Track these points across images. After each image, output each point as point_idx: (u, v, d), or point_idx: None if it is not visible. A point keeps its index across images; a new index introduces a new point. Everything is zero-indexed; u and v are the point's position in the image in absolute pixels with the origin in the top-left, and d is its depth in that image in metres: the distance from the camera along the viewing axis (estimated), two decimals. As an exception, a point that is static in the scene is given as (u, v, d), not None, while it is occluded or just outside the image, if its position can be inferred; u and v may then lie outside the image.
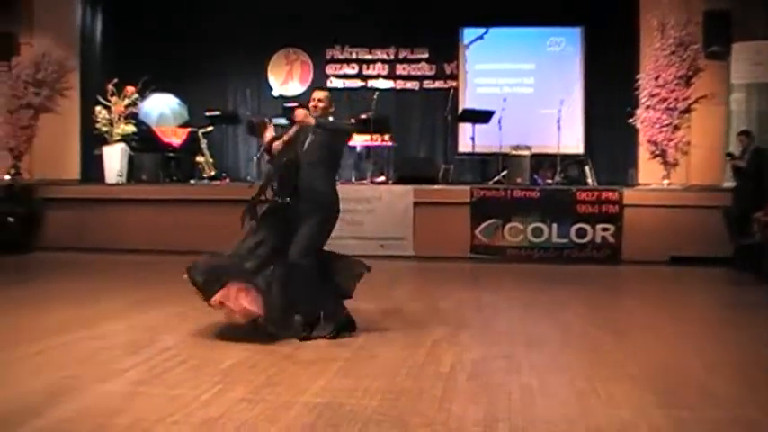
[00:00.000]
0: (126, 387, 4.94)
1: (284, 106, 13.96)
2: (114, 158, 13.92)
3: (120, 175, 13.87)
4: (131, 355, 5.77)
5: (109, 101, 14.13)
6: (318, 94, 6.59)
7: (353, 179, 14.16)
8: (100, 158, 14.14)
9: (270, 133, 6.68)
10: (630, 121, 12.95)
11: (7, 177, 13.80)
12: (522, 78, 16.58)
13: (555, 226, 11.92)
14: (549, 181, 13.68)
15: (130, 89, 14.24)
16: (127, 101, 14.21)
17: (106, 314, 7.58)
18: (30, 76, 14.14)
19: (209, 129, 14.69)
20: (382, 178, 13.86)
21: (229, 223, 11.92)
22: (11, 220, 12.86)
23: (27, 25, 14.64)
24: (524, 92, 16.45)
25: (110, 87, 14.14)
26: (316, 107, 6.50)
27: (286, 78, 16.88)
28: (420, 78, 16.82)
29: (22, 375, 5.23)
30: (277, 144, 6.56)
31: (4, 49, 14.46)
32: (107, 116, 14.09)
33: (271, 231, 6.52)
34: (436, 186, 12.90)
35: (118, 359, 5.67)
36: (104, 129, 14.08)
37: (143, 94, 14.51)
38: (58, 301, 8.30)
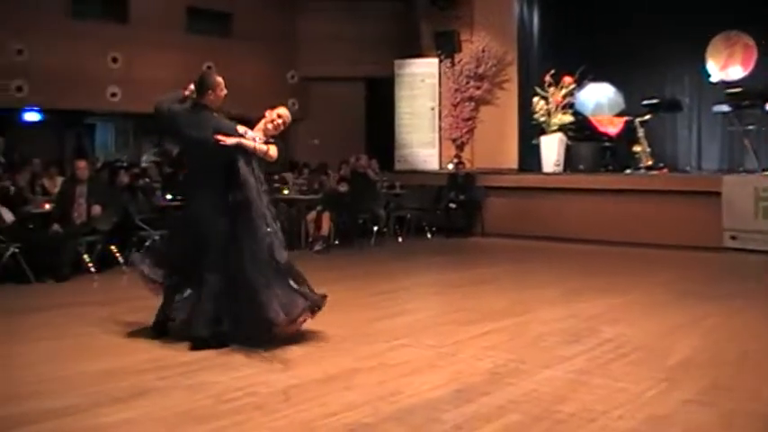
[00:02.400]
0: (569, 375, 4.95)
1: (726, 92, 13.05)
2: (552, 148, 14.18)
3: (558, 165, 14.08)
4: (573, 344, 5.78)
5: (546, 91, 14.41)
6: None
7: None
8: (537, 148, 14.49)
9: None
10: None
11: (450, 167, 14.80)
12: None
13: None
14: None
15: (568, 79, 14.35)
16: (564, 91, 14.35)
17: (547, 300, 7.74)
18: (471, 70, 15.06)
19: (647, 117, 14.25)
20: None
21: (669, 215, 11.74)
22: (452, 206, 13.78)
23: (468, 23, 15.48)
24: None
25: (547, 78, 14.40)
26: None
27: (726, 63, 15.72)
28: None
29: (469, 356, 5.50)
30: None
31: (448, 45, 15.50)
32: (545, 106, 14.38)
33: None
34: None
35: (560, 346, 5.73)
36: (542, 119, 14.39)
37: (580, 84, 14.54)
38: (501, 285, 8.73)
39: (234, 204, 5.88)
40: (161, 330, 6.06)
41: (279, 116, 6.23)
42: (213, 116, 5.98)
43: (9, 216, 9.21)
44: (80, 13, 13.32)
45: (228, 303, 5.82)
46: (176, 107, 6.02)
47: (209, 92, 5.96)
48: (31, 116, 13.85)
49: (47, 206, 9.77)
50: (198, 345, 5.65)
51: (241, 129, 6.01)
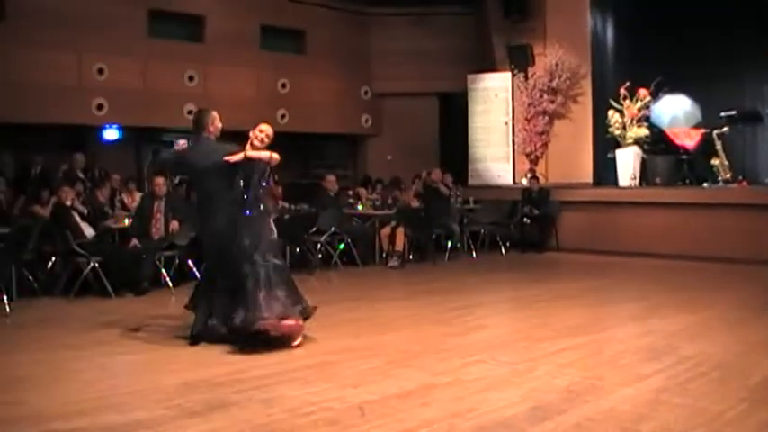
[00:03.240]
0: (647, 393, 4.88)
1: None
2: (627, 161, 13.98)
3: (634, 179, 13.88)
4: (651, 361, 5.70)
5: (621, 104, 14.23)
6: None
7: None
8: (613, 162, 14.31)
9: None
10: None
11: (524, 181, 14.73)
12: None
13: None
14: None
15: (643, 92, 14.15)
16: (639, 104, 14.15)
17: (624, 317, 7.67)
18: (544, 84, 14.95)
19: (725, 129, 13.94)
20: None
21: (746, 229, 11.45)
22: (527, 221, 13.72)
23: (541, 36, 15.38)
24: None
25: (622, 91, 14.23)
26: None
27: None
28: None
29: (544, 373, 5.47)
30: None
31: (522, 59, 15.42)
32: (620, 120, 14.20)
33: None
34: None
35: (638, 364, 5.65)
36: (617, 132, 14.20)
37: (655, 97, 14.32)
38: (577, 301, 8.65)
39: (244, 216, 6.55)
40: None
41: (260, 131, 6.73)
42: (217, 144, 6.80)
43: (89, 231, 9.52)
44: (157, 32, 13.70)
45: (226, 301, 6.48)
46: (182, 148, 6.75)
47: (209, 125, 6.82)
48: (111, 134, 14.26)
49: (126, 221, 10.07)
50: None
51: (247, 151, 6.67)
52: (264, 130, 6.74)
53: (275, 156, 6.61)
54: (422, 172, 13.61)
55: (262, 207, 6.66)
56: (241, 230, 6.49)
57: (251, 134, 6.72)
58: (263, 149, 6.62)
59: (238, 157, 6.51)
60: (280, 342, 6.21)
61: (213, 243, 6.73)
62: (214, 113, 6.91)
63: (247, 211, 6.55)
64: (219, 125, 6.89)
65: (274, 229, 6.84)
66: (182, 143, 6.97)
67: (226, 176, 6.59)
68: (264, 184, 6.75)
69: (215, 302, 6.56)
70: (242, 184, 6.56)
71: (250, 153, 6.53)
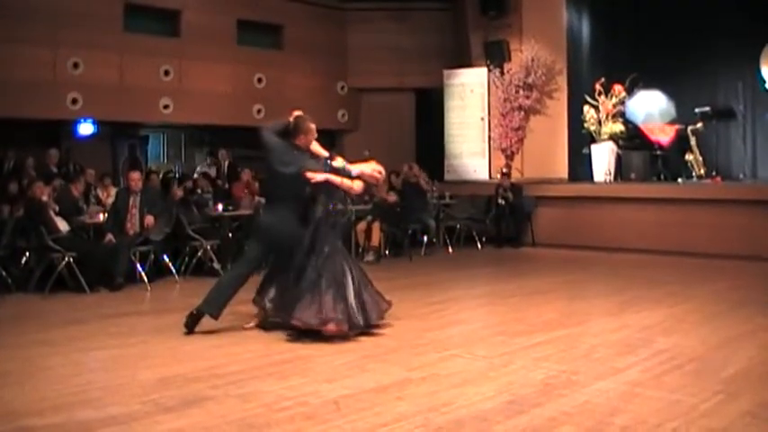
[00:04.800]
0: (623, 387, 4.91)
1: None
2: (602, 157, 14.09)
3: (609, 174, 13.97)
4: (626, 355, 5.74)
5: (597, 100, 14.32)
6: None
7: None
8: (588, 157, 14.40)
9: None
10: None
11: (499, 177, 14.74)
12: None
13: None
14: None
15: (618, 88, 14.26)
16: (614, 99, 14.26)
17: (599, 311, 7.71)
18: (520, 80, 15.00)
19: (699, 125, 14.07)
20: None
21: (720, 224, 11.57)
22: (501, 202, 13.73)
23: (517, 32, 15.42)
24: None
25: (597, 87, 14.32)
26: None
27: (782, 70, 15.42)
28: None
29: (520, 367, 5.49)
30: None
31: (498, 55, 15.46)
32: (595, 115, 14.29)
33: None
34: None
35: (613, 357, 5.68)
36: (592, 128, 14.31)
37: (630, 93, 14.42)
38: (553, 296, 8.71)
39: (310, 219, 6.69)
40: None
41: (380, 173, 7.01)
42: (302, 155, 6.77)
43: (64, 226, 9.43)
44: (133, 26, 13.59)
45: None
46: (273, 141, 6.76)
47: (301, 136, 6.79)
48: (86, 128, 14.12)
49: (101, 216, 9.99)
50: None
51: (340, 162, 6.85)
52: (380, 178, 7.16)
53: (357, 187, 6.82)
54: (403, 167, 13.63)
55: (327, 213, 6.70)
56: (300, 231, 6.61)
57: (376, 164, 6.96)
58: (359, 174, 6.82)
59: (320, 177, 6.61)
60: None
61: (271, 240, 6.83)
62: (312, 126, 6.89)
63: (316, 213, 6.66)
64: (313, 138, 6.90)
65: (338, 234, 6.90)
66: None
67: (297, 188, 6.70)
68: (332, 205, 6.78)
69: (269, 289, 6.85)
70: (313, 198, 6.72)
71: (332, 178, 6.65)
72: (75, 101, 12.69)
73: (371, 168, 6.92)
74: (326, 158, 6.84)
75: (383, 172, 7.10)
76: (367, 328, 6.54)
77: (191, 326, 6.60)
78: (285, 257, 6.66)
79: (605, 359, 5.64)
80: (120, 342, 6.44)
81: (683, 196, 12.43)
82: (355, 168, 6.83)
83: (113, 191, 11.15)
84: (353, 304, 6.43)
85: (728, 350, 5.90)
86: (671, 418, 4.28)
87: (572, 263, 11.67)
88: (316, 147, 6.95)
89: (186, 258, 10.32)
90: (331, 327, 6.26)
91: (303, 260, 6.49)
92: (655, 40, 14.86)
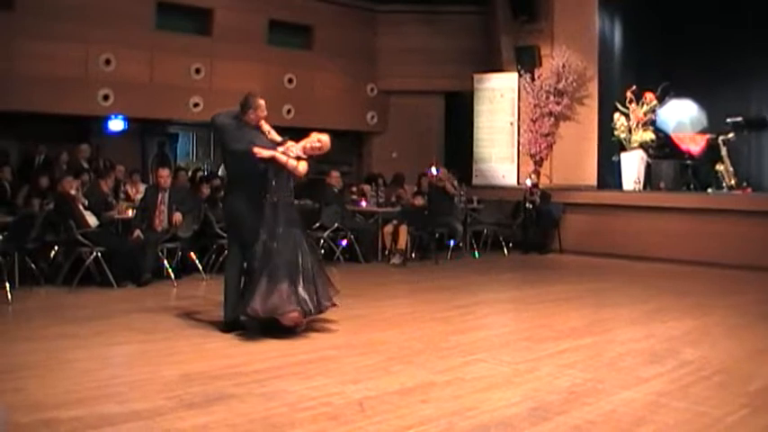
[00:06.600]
0: (648, 397, 4.87)
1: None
2: (632, 165, 13.97)
3: (638, 182, 13.85)
4: (653, 365, 5.68)
5: (627, 108, 14.20)
6: None
7: None
8: (617, 165, 14.29)
9: None
10: None
11: (528, 182, 14.66)
12: None
13: None
14: None
15: (649, 96, 14.13)
16: (645, 108, 14.13)
17: (625, 320, 7.65)
18: (551, 85, 14.90)
19: (730, 135, 13.92)
20: None
21: (748, 236, 11.43)
22: (529, 206, 13.70)
23: (548, 38, 15.32)
24: None
25: (628, 94, 14.20)
26: None
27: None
28: None
29: (545, 374, 5.46)
30: None
31: (529, 60, 15.38)
32: (625, 123, 14.17)
33: None
34: None
35: (639, 367, 5.63)
36: (622, 135, 14.18)
37: (662, 101, 14.29)
38: (579, 303, 8.65)
39: (264, 205, 6.62)
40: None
41: (319, 141, 6.87)
42: (252, 132, 6.80)
43: (93, 221, 9.51)
44: (165, 25, 13.69)
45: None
46: (225, 121, 6.86)
47: (250, 111, 6.82)
48: (116, 124, 14.24)
49: (129, 212, 10.07)
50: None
51: (289, 144, 6.77)
52: (323, 142, 6.88)
53: (301, 168, 6.69)
54: (427, 170, 13.61)
55: (282, 198, 6.66)
56: (258, 216, 6.59)
57: (312, 135, 6.86)
58: (303, 154, 6.73)
59: (266, 154, 6.59)
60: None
61: (232, 223, 7.02)
62: (261, 102, 6.89)
63: (270, 198, 6.62)
64: (263, 115, 6.91)
65: (298, 219, 6.87)
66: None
67: (252, 165, 6.65)
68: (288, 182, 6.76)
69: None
70: (268, 176, 6.65)
71: (278, 156, 6.61)
72: (106, 97, 12.79)
73: (310, 141, 6.84)
74: (278, 143, 6.80)
75: (324, 140, 6.91)
76: (318, 314, 6.68)
77: (231, 330, 6.65)
78: (244, 239, 6.69)
79: (631, 368, 5.59)
80: (144, 338, 6.49)
81: (711, 206, 12.27)
82: (297, 148, 6.75)
83: (142, 187, 11.22)
84: (302, 292, 6.45)
85: (754, 363, 5.84)
86: (696, 430, 4.24)
87: (598, 270, 11.59)
88: (273, 135, 6.92)
89: (213, 256, 10.37)
90: (289, 317, 6.37)
91: (259, 244, 6.51)
92: (687, 48, 14.70)
